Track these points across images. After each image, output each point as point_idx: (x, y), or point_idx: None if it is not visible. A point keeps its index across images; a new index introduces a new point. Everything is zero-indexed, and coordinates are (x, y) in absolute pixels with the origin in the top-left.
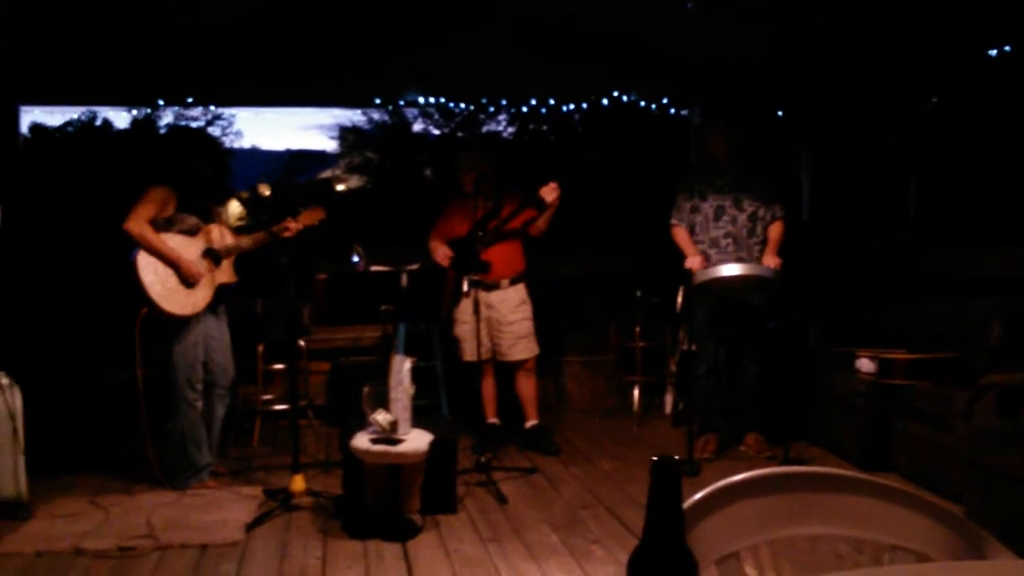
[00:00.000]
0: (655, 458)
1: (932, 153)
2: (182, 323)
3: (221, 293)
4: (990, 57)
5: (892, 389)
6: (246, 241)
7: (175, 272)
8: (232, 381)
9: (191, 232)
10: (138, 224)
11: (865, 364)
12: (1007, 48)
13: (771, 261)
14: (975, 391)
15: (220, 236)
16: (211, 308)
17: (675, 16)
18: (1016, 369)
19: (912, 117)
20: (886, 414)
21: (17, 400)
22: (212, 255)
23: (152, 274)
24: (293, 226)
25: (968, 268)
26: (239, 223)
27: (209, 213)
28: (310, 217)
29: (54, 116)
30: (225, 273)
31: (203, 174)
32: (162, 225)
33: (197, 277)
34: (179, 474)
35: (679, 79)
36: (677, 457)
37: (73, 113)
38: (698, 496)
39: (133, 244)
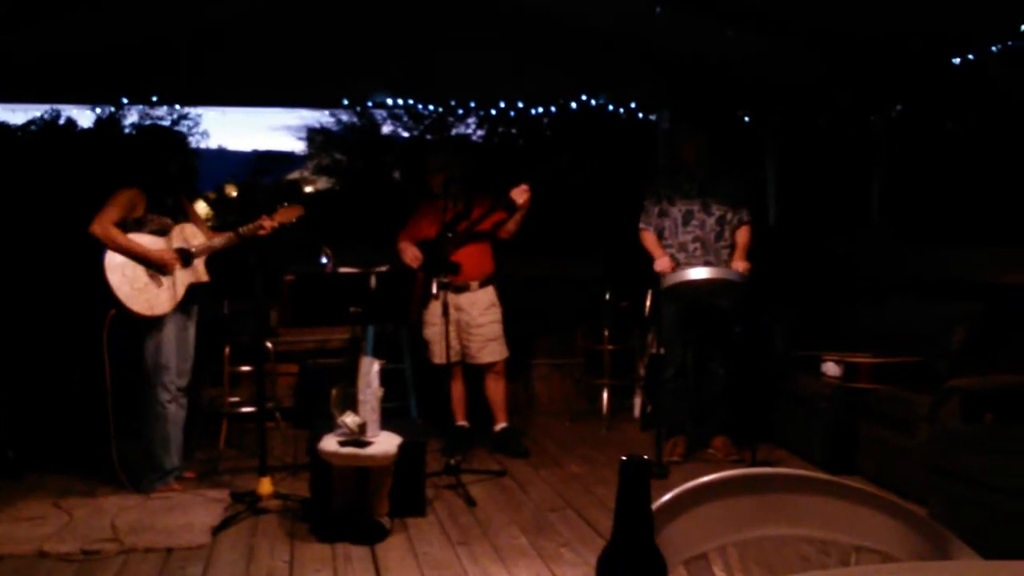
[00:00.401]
0: (624, 457)
1: (895, 157)
2: (154, 324)
3: (192, 293)
4: (953, 65)
5: (857, 392)
6: (218, 240)
7: (145, 271)
8: (188, 383)
9: (161, 232)
10: (102, 226)
11: (831, 368)
12: (970, 56)
13: (740, 265)
14: (939, 395)
15: (192, 235)
16: (183, 308)
17: (644, 19)
18: (978, 373)
19: (876, 122)
20: (851, 417)
21: None
22: (183, 255)
23: (119, 275)
24: (268, 224)
25: (932, 270)
26: (206, 224)
27: (183, 212)
28: (288, 214)
29: (16, 114)
30: (196, 273)
31: (172, 172)
32: (132, 226)
33: (169, 264)
34: (144, 476)
35: (648, 82)
36: (646, 457)
37: (36, 111)
38: (666, 497)
39: (101, 246)
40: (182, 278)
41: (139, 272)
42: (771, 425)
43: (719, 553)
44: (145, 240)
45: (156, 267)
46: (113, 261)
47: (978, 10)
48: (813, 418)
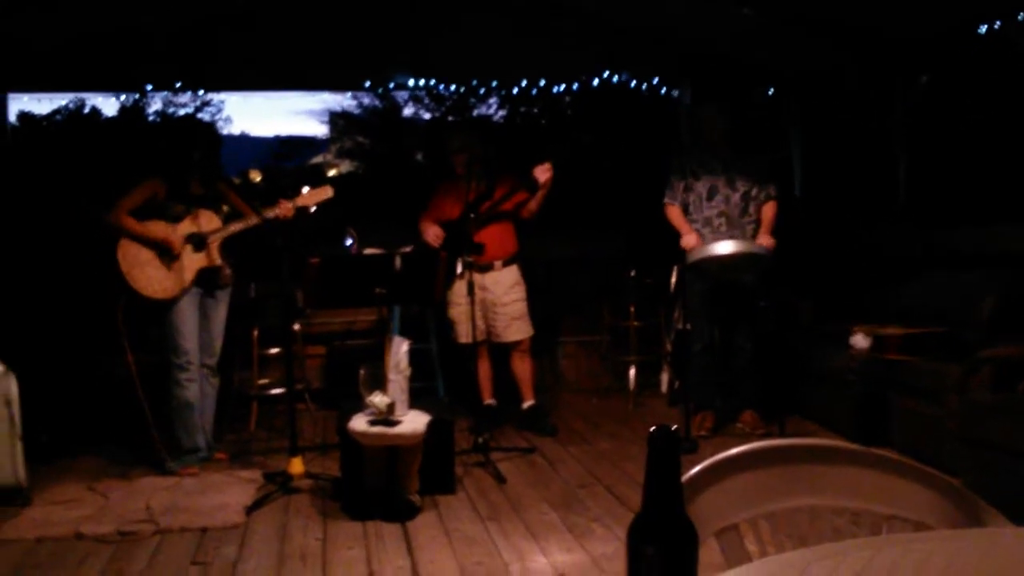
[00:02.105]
0: (652, 428)
1: (922, 131)
2: (167, 307)
3: (205, 276)
4: (979, 34)
5: (886, 364)
6: (235, 225)
7: (154, 256)
8: (217, 361)
9: (177, 218)
10: (116, 216)
11: (859, 340)
12: (997, 25)
13: (765, 241)
14: (969, 365)
15: (207, 221)
16: (197, 289)
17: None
18: (1008, 343)
19: (901, 95)
20: (880, 389)
21: (13, 387)
22: (195, 240)
23: (131, 261)
24: (288, 206)
25: (959, 244)
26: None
27: (218, 198)
28: (311, 197)
29: (42, 104)
30: (208, 257)
31: (196, 161)
32: (151, 212)
33: (173, 246)
34: (168, 457)
35: (669, 59)
36: (675, 427)
37: (61, 100)
38: (696, 469)
39: (117, 232)
40: (192, 262)
41: (148, 257)
42: (799, 399)
43: (750, 525)
44: (157, 226)
45: (162, 250)
46: (125, 248)
47: None
48: (842, 391)
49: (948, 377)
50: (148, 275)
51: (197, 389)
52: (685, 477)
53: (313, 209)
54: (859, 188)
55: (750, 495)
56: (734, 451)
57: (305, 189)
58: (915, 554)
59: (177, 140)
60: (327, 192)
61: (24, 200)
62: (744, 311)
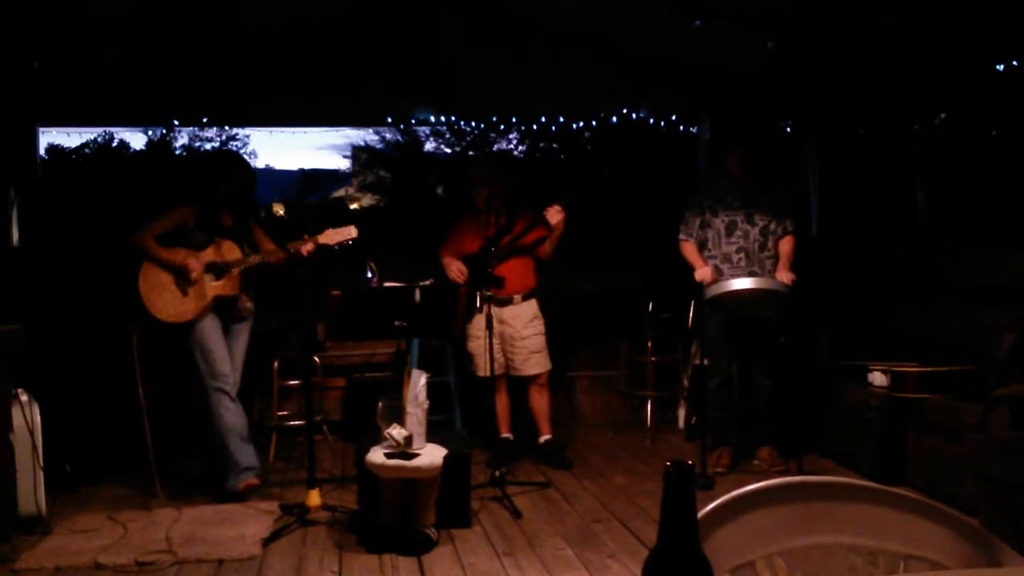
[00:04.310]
0: (668, 463)
1: (939, 164)
2: (189, 330)
3: (222, 303)
4: (997, 71)
5: (904, 402)
6: (256, 257)
7: (172, 281)
8: (236, 389)
9: (200, 247)
10: (142, 237)
11: (877, 377)
12: (1015, 63)
13: (784, 276)
14: (988, 403)
15: (229, 251)
16: (215, 317)
17: (683, 30)
18: None
19: (919, 129)
20: (899, 427)
21: (36, 416)
22: (214, 268)
23: (150, 285)
24: (309, 247)
25: (978, 276)
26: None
27: (243, 231)
28: (333, 236)
29: (71, 138)
30: (227, 286)
31: (221, 192)
32: (178, 239)
33: (191, 271)
34: (227, 478)
35: (688, 93)
36: (690, 461)
37: (90, 134)
38: (712, 506)
39: (139, 257)
40: (209, 290)
41: (167, 282)
42: (817, 435)
43: (766, 562)
44: (179, 252)
45: (179, 275)
46: (146, 271)
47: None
48: (860, 428)
49: (967, 415)
50: (164, 299)
51: (225, 409)
52: (701, 513)
53: (336, 248)
54: (878, 219)
55: (766, 532)
56: (750, 488)
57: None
58: None
59: (213, 172)
60: (351, 232)
61: (53, 230)
62: (762, 346)
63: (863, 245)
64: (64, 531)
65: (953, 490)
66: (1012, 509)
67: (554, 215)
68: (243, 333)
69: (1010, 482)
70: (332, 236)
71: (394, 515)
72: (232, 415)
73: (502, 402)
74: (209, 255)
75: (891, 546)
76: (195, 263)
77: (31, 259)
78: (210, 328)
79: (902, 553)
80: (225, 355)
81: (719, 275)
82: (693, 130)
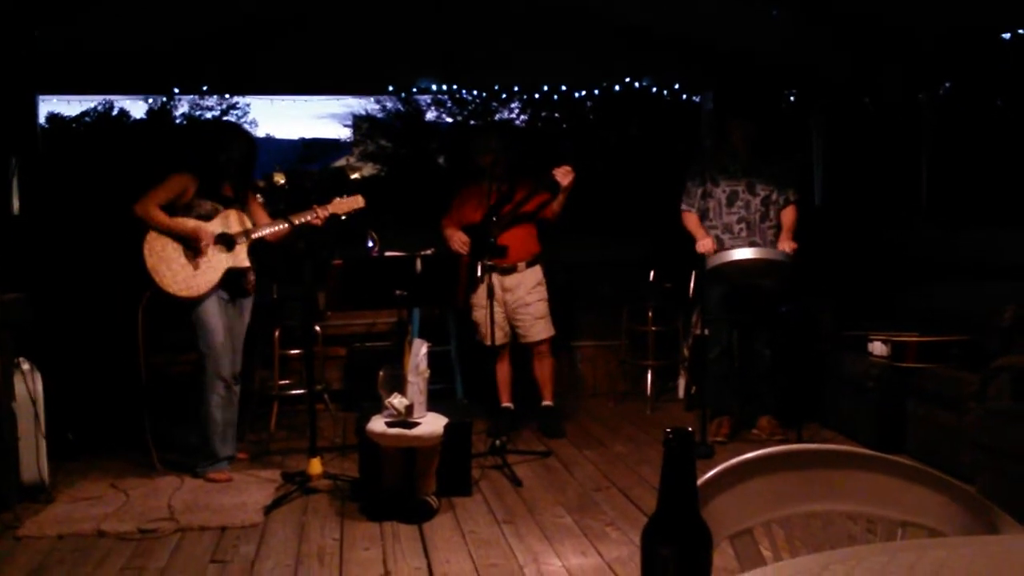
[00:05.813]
0: (668, 429)
1: (945, 137)
2: (194, 307)
3: (231, 277)
4: (1003, 40)
5: (904, 372)
6: (267, 229)
7: (182, 252)
8: (237, 372)
9: (207, 217)
10: (143, 204)
11: (878, 347)
12: (1021, 31)
13: (786, 246)
14: (988, 373)
15: (237, 222)
16: (223, 293)
17: (688, 5)
18: None
19: (924, 102)
20: (898, 396)
21: (38, 385)
22: (225, 240)
23: (157, 256)
24: (322, 214)
25: (981, 251)
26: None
27: (241, 201)
28: (342, 205)
29: (71, 106)
30: (236, 258)
31: (222, 161)
32: (180, 210)
33: (203, 239)
34: (200, 461)
35: (692, 65)
36: (690, 428)
37: (90, 103)
38: (711, 473)
39: (143, 227)
40: (220, 261)
41: (176, 254)
42: (817, 405)
43: (765, 529)
44: (188, 220)
45: (190, 244)
46: (152, 243)
47: None
48: (860, 398)
49: (966, 385)
50: (174, 272)
51: (223, 395)
52: (700, 480)
53: (344, 217)
54: (882, 192)
55: (765, 500)
56: (750, 455)
57: (338, 197)
58: (930, 560)
59: (216, 141)
60: (359, 202)
61: (54, 199)
62: (763, 316)
63: (866, 219)
64: (67, 499)
65: (952, 459)
66: (1011, 477)
67: (564, 175)
68: (247, 308)
69: (1009, 451)
70: (341, 205)
71: (395, 483)
72: (223, 410)
73: (503, 371)
74: (217, 226)
75: (889, 513)
76: (206, 231)
77: (32, 228)
78: (214, 305)
79: (900, 520)
80: (226, 338)
81: (720, 245)
82: (696, 99)
